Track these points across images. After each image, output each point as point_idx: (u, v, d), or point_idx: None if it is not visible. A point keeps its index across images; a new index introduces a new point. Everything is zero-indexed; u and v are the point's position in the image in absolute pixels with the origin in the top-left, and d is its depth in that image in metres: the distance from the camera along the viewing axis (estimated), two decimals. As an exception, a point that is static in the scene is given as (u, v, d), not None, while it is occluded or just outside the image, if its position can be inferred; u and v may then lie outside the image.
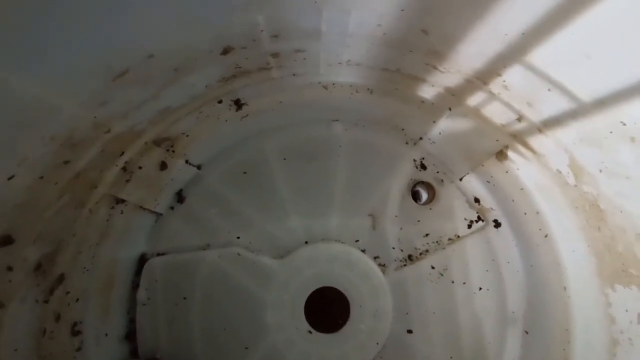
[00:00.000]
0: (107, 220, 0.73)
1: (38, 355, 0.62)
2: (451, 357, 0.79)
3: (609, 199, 0.58)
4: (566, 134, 0.58)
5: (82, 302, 0.72)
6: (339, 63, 0.72)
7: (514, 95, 0.60)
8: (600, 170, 0.57)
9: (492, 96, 0.64)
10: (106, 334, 0.76)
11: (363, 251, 0.82)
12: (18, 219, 0.53)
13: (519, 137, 0.68)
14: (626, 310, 0.60)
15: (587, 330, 0.67)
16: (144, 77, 0.55)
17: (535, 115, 0.61)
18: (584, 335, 0.68)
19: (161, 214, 0.83)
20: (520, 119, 0.64)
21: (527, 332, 0.79)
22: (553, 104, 0.55)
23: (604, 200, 0.59)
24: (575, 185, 0.63)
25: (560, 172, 0.64)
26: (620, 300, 0.61)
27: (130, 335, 0.79)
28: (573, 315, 0.70)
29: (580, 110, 0.53)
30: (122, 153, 0.67)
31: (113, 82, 0.51)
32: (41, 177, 0.52)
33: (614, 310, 0.62)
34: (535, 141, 0.65)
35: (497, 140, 0.72)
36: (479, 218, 0.84)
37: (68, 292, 0.68)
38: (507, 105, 0.63)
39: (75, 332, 0.71)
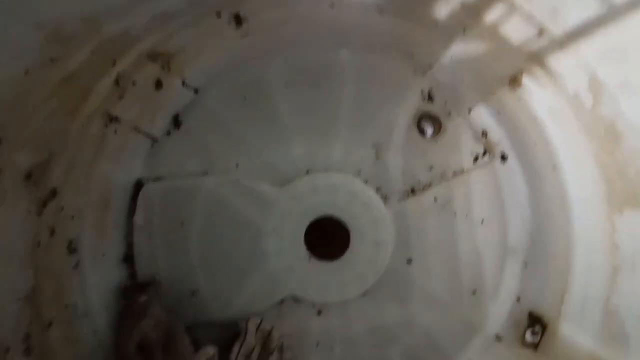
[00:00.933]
0: (101, 138, 0.70)
1: (33, 267, 0.61)
2: (449, 286, 0.80)
3: (628, 118, 0.55)
4: (590, 47, 0.55)
5: (77, 220, 0.70)
6: (348, -27, 0.66)
7: (537, 3, 0.56)
8: (622, 88, 0.54)
9: (513, 8, 0.59)
10: (103, 254, 0.75)
11: (365, 182, 0.81)
12: (4, 116, 0.50)
13: (537, 58, 0.64)
14: (632, 236, 0.59)
15: (588, 259, 0.67)
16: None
17: (558, 27, 0.56)
18: (584, 264, 0.68)
19: (157, 139, 0.79)
20: (541, 32, 0.59)
21: (526, 264, 0.79)
22: (580, 10, 0.51)
23: (621, 120, 0.56)
24: (593, 108, 0.60)
25: (577, 95, 0.61)
26: (626, 226, 0.60)
27: (128, 258, 0.78)
28: (575, 245, 0.70)
29: (610, 16, 0.49)
30: (114, 63, 0.62)
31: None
32: (26, 72, 0.49)
33: (618, 236, 0.62)
34: (554, 61, 0.62)
35: (512, 65, 0.68)
36: (485, 152, 0.82)
37: (62, 209, 0.67)
38: (529, 17, 0.59)
39: (72, 250, 0.70)
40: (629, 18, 0.48)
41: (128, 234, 0.79)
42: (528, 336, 0.76)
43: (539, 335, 0.74)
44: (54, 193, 0.64)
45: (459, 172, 0.81)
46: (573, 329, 0.69)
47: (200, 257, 0.79)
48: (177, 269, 0.78)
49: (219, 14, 0.71)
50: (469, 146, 0.82)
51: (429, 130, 0.85)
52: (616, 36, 0.50)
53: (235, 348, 0.73)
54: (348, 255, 0.79)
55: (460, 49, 0.73)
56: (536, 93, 0.69)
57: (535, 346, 0.74)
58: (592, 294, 0.66)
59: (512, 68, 0.69)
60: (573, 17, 0.53)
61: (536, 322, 0.76)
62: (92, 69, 0.59)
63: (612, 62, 0.53)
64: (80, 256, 0.71)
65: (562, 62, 0.60)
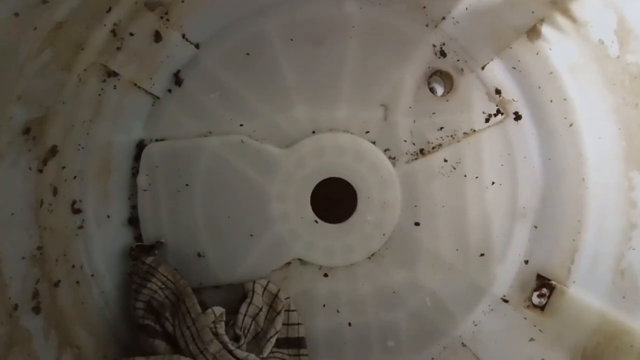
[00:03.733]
0: (100, 95, 0.68)
1: (38, 226, 0.60)
2: (457, 249, 0.79)
3: (657, 66, 0.52)
4: (620, -13, 0.50)
5: (80, 181, 0.69)
6: None
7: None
8: (653, 32, 0.50)
9: (537, -53, 0.55)
10: (108, 216, 0.74)
11: (373, 143, 0.78)
12: (-5, 64, 0.47)
13: (560, 3, 0.60)
14: (651, 192, 0.57)
15: (602, 218, 0.66)
16: None
17: (586, -33, 0.52)
18: (598, 224, 0.66)
19: (158, 97, 0.77)
20: (566, -26, 0.55)
21: (536, 227, 0.78)
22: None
23: (649, 69, 0.53)
24: (618, 57, 0.56)
25: (602, 43, 0.57)
26: (645, 183, 0.58)
27: (133, 221, 0.78)
28: (588, 205, 0.68)
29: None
30: (109, 9, 0.59)
31: None
32: (16, 14, 0.46)
33: (636, 194, 0.59)
34: (579, 5, 0.57)
35: (532, 13, 0.64)
36: (498, 111, 0.78)
37: (64, 167, 0.65)
38: (554, -43, 0.54)
39: (76, 210, 0.69)
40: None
41: (132, 196, 0.78)
42: (535, 299, 0.76)
43: (547, 297, 0.74)
44: (54, 151, 0.62)
45: (470, 133, 0.79)
46: (582, 290, 0.68)
47: (205, 219, 0.78)
48: (182, 232, 0.78)
49: (218, -39, 0.67)
50: (482, 105, 0.79)
51: (440, 89, 0.82)
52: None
53: (243, 309, 0.73)
54: (355, 218, 0.78)
55: (476, -2, 0.69)
56: (556, 45, 0.65)
57: (542, 308, 0.74)
58: (604, 252, 0.65)
59: (531, 17, 0.65)
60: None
61: (544, 285, 0.75)
62: (86, 16, 0.56)
63: (644, 4, 0.49)
64: (84, 217, 0.70)
65: (587, 5, 0.56)
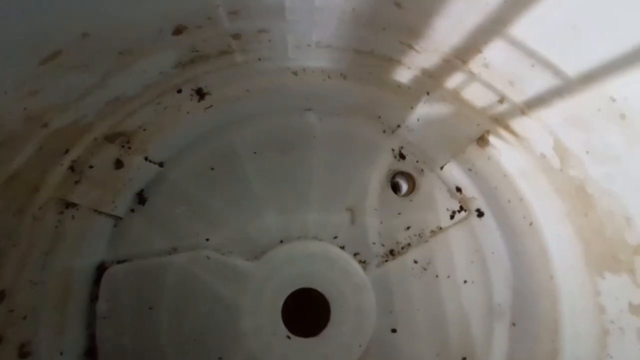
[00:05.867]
0: (57, 227, 0.66)
1: (-23, 383, 0.55)
2: (438, 354, 0.75)
3: (597, 182, 0.54)
4: (550, 114, 0.55)
5: (31, 319, 0.64)
6: (308, 45, 0.66)
7: (495, 74, 0.56)
8: (587, 152, 0.54)
9: (472, 77, 0.60)
10: (61, 353, 0.68)
11: (342, 248, 0.78)
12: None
13: (501, 121, 0.64)
14: (616, 299, 0.57)
15: (576, 320, 0.65)
16: (81, 61, 0.48)
17: (518, 96, 0.57)
18: (573, 326, 0.65)
19: (120, 218, 0.75)
20: (502, 100, 0.60)
21: (514, 324, 0.76)
22: (537, 82, 0.52)
23: (591, 184, 0.55)
24: (561, 170, 0.59)
25: (544, 156, 0.61)
26: (609, 289, 0.58)
27: (91, 352, 0.72)
28: (561, 305, 0.68)
29: (566, 87, 0.49)
30: (67, 151, 0.59)
31: (42, 66, 0.44)
32: (-39, 181, 0.45)
33: (603, 298, 0.59)
34: (518, 124, 0.62)
35: (478, 125, 0.68)
36: (461, 208, 0.80)
37: (12, 311, 0.61)
38: (488, 86, 0.59)
39: (24, 354, 0.63)
40: (582, 89, 0.48)
41: (90, 324, 0.72)
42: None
43: (536, 400, 0.70)
44: (1, 296, 0.58)
45: (437, 230, 0.79)
46: (569, 394, 0.65)
47: (171, 344, 0.73)
48: (146, 359, 0.72)
49: (179, 90, 0.70)
50: (445, 202, 0.81)
51: (404, 187, 0.84)
52: (574, 105, 0.51)
53: None
54: (329, 329, 0.75)
55: (426, 109, 0.73)
56: (505, 152, 0.69)
57: (533, 411, 0.70)
58: (584, 358, 0.63)
59: (478, 128, 0.69)
60: (529, 88, 0.54)
61: (531, 385, 0.72)
62: (41, 163, 0.56)
63: (573, 129, 0.53)
64: (33, 359, 0.64)
65: (526, 125, 0.60)
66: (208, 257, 0.75)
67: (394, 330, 0.76)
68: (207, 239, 0.76)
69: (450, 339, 0.76)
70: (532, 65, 0.50)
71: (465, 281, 0.77)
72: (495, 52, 0.52)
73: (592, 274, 0.60)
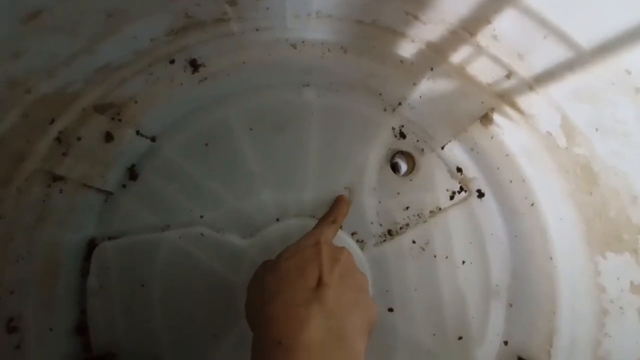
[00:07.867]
0: (44, 201, 0.63)
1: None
2: (434, 334, 0.75)
3: (603, 160, 0.53)
4: (560, 89, 0.53)
5: (18, 294, 0.62)
6: (308, 15, 0.63)
7: (504, 47, 0.54)
8: (596, 129, 0.52)
9: (479, 50, 0.57)
10: (51, 329, 0.67)
11: (340, 226, 0.76)
12: None
13: (507, 97, 0.62)
14: (617, 278, 0.56)
15: (574, 300, 0.64)
16: (67, 23, 0.45)
17: (527, 70, 0.55)
18: (571, 306, 0.65)
19: (111, 193, 0.73)
20: (509, 75, 0.57)
21: (511, 305, 0.76)
22: (548, 55, 0.49)
23: (597, 161, 0.54)
24: (566, 148, 0.58)
25: (550, 134, 0.59)
26: (610, 268, 0.58)
27: (82, 328, 0.70)
28: (559, 285, 0.67)
29: (578, 60, 0.47)
30: (53, 120, 0.56)
31: (23, 26, 0.41)
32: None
33: (603, 278, 0.59)
34: (525, 101, 0.60)
35: (482, 103, 0.66)
36: (461, 188, 0.79)
37: (-1, 285, 0.59)
38: (496, 60, 0.57)
39: (12, 329, 0.62)
40: (596, 62, 0.46)
41: (80, 300, 0.71)
42: (518, 379, 0.72)
43: (529, 379, 0.70)
44: (-14, 270, 0.56)
45: (436, 211, 0.78)
46: (564, 374, 0.65)
47: (164, 321, 0.71)
48: (138, 337, 0.71)
49: (172, 61, 0.67)
50: (445, 183, 0.79)
51: (403, 167, 0.82)
52: (584, 79, 0.49)
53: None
54: (325, 308, 0.74)
55: (429, 86, 0.71)
56: (508, 131, 0.67)
57: (525, 390, 0.70)
58: (581, 337, 0.63)
59: (482, 106, 0.67)
60: (539, 61, 0.51)
61: (525, 365, 0.72)
62: (26, 131, 0.53)
63: (583, 104, 0.51)
64: (22, 334, 0.63)
65: (532, 102, 0.58)
66: (202, 234, 0.73)
67: (390, 310, 0.75)
68: (201, 216, 0.74)
69: (447, 319, 0.75)
70: (544, 37, 0.48)
71: (463, 262, 0.76)
72: (505, 23, 0.50)
73: (593, 254, 0.60)
